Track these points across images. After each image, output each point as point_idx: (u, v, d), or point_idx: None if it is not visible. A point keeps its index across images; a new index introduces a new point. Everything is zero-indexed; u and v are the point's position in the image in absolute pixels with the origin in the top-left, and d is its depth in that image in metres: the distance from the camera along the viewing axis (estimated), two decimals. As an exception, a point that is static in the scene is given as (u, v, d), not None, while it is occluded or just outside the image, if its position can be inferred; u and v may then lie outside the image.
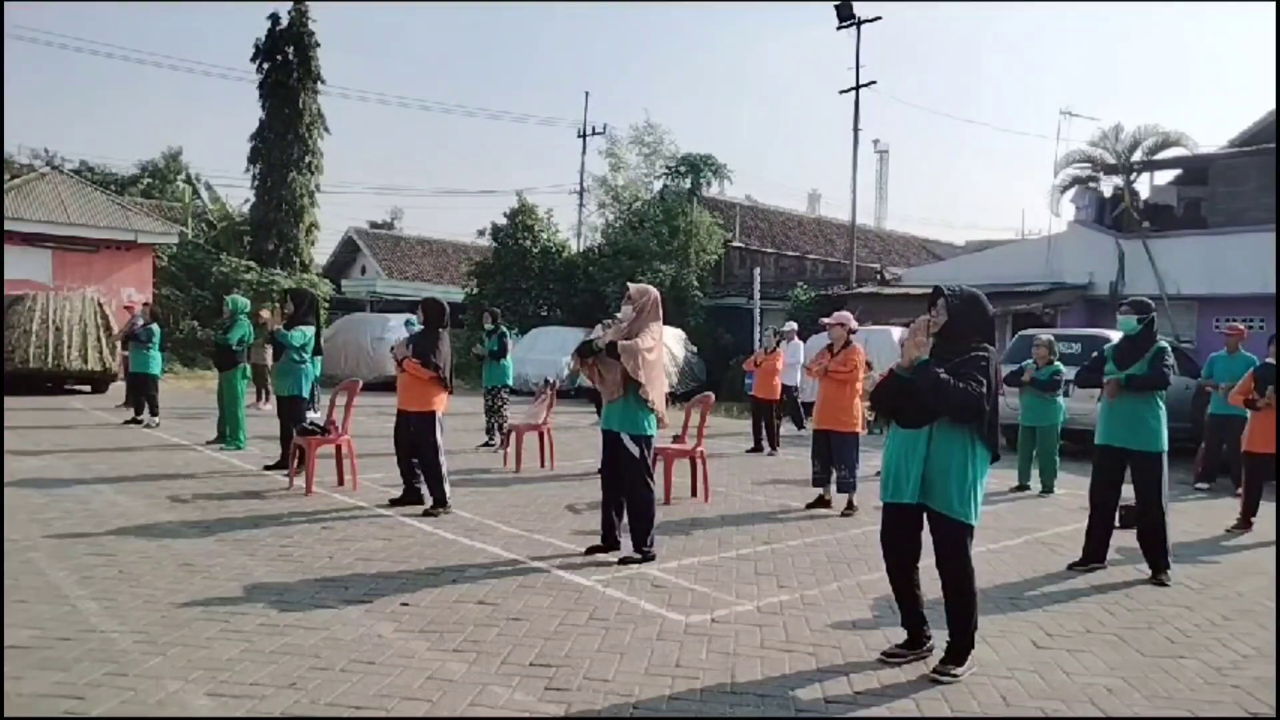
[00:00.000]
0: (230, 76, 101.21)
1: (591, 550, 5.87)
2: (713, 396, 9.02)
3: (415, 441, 7.19)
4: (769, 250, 29.45)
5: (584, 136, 30.82)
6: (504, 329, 11.43)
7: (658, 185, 26.36)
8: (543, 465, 9.59)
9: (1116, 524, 6.04)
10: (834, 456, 7.69)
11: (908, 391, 3.92)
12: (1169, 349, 5.96)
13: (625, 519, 5.86)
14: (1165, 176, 21.78)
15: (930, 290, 4.16)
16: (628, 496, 5.78)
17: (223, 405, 10.45)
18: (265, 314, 15.22)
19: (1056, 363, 9.25)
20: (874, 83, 23.26)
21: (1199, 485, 9.94)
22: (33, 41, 50.43)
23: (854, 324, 8.06)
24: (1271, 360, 8.04)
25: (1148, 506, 5.80)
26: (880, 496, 4.20)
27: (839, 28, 23.13)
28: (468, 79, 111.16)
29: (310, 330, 8.79)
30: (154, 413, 12.29)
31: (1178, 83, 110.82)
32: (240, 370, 10.43)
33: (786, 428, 13.09)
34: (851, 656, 4.17)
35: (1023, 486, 9.28)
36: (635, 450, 5.68)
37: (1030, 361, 9.41)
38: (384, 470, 8.42)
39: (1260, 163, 17.67)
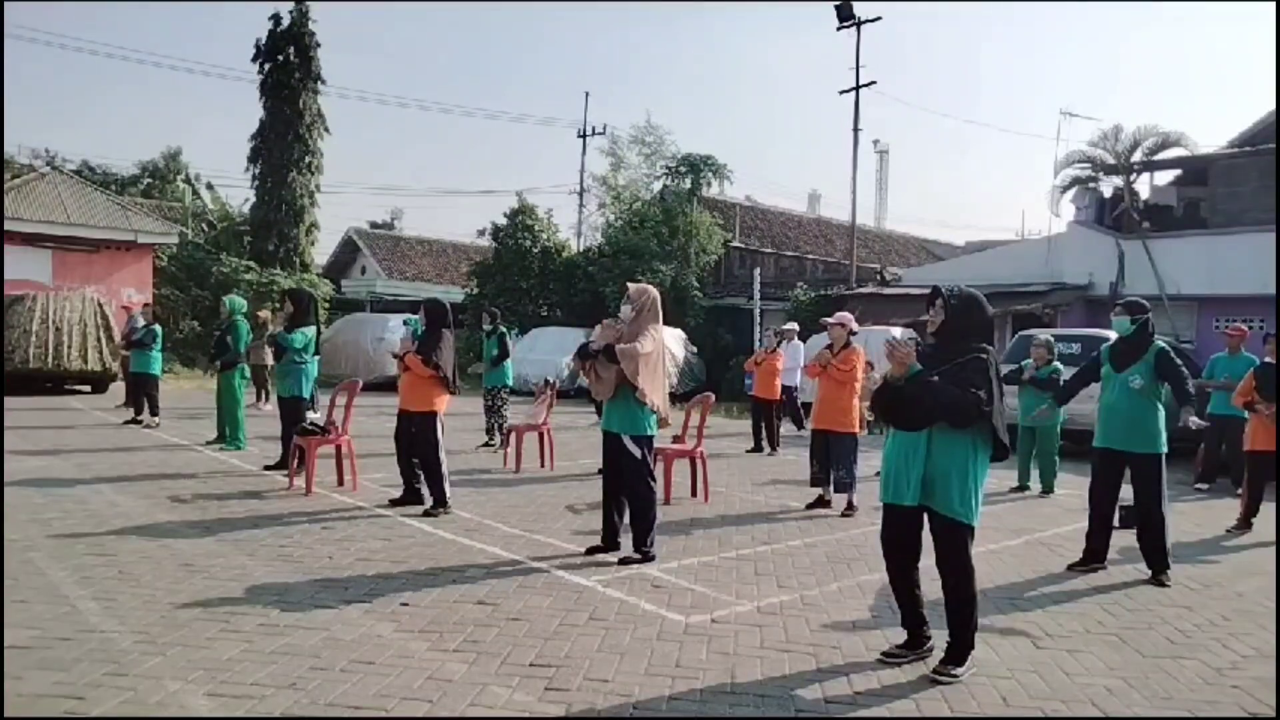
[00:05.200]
0: (230, 76, 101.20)
1: (592, 550, 5.87)
2: (713, 397, 9.02)
3: (416, 441, 7.19)
4: (769, 250, 29.44)
5: (584, 136, 30.85)
6: (504, 329, 11.42)
7: (658, 185, 26.37)
8: (543, 465, 9.59)
9: (1116, 524, 6.04)
10: (831, 457, 7.69)
11: (904, 398, 3.92)
12: (1168, 349, 5.96)
13: (625, 519, 5.86)
14: (1165, 177, 21.78)
15: (930, 290, 4.16)
16: (628, 497, 5.78)
17: (222, 406, 10.45)
18: (264, 314, 15.22)
19: (1055, 363, 9.25)
20: (874, 83, 23.29)
21: (1199, 485, 9.94)
22: (33, 41, 50.55)
23: (854, 325, 8.06)
24: (1270, 359, 8.04)
25: (1148, 507, 5.79)
26: (880, 497, 4.19)
27: (839, 28, 23.15)
28: (467, 79, 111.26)
29: (311, 331, 8.79)
30: (154, 413, 12.29)
31: (1178, 83, 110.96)
32: (239, 371, 10.44)
33: (786, 428, 13.09)
34: (851, 656, 4.17)
35: (1023, 487, 9.28)
36: (636, 451, 5.68)
37: (1029, 361, 9.41)
38: (384, 470, 8.42)
39: (1260, 163, 17.67)
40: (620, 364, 5.54)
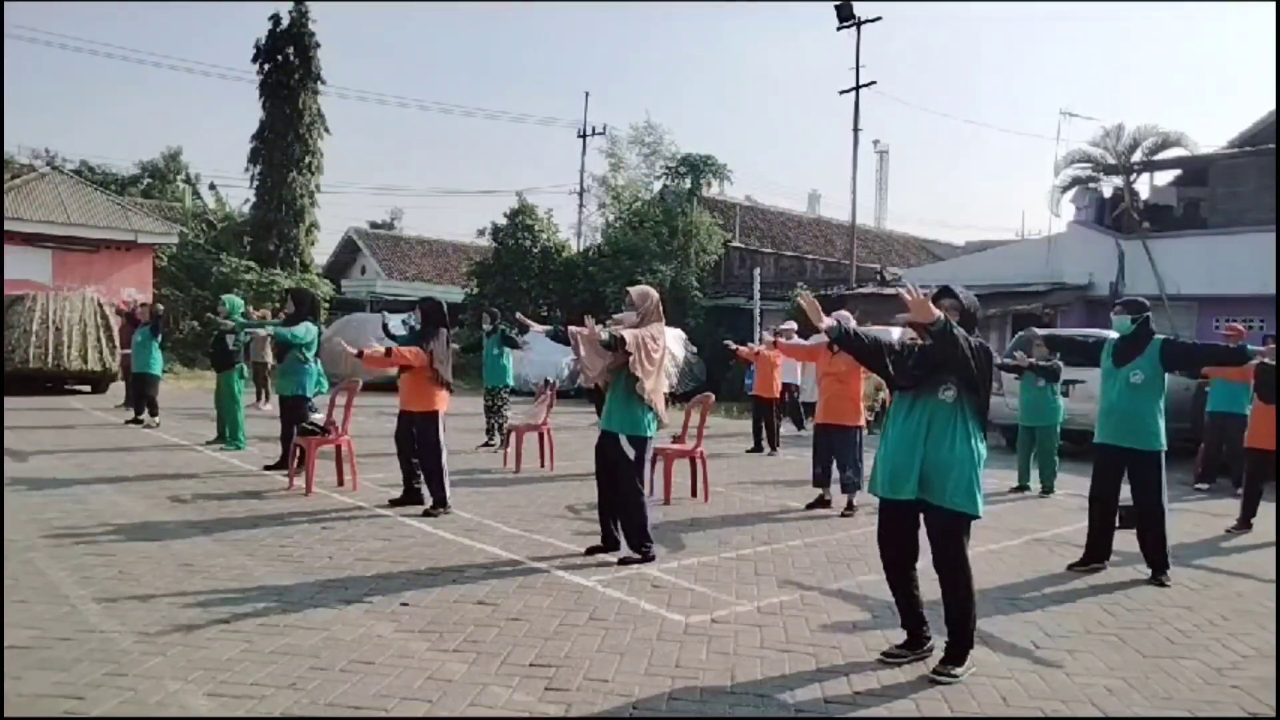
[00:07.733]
0: (230, 76, 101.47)
1: (591, 550, 5.87)
2: (713, 397, 9.01)
3: (417, 441, 7.18)
4: (769, 250, 29.45)
5: (584, 136, 30.84)
6: (504, 327, 11.45)
7: (658, 185, 26.37)
8: (543, 465, 9.59)
9: (1116, 524, 6.04)
10: (836, 455, 7.68)
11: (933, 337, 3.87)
12: (1170, 337, 5.99)
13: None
14: (1165, 177, 21.79)
15: (939, 289, 4.14)
16: (618, 497, 5.75)
17: (221, 406, 10.45)
18: (263, 314, 15.21)
19: (1055, 360, 9.24)
20: (874, 83, 23.29)
21: (1199, 485, 9.94)
22: (32, 41, 50.59)
23: (853, 324, 8.03)
24: (1268, 360, 8.00)
25: (1147, 507, 5.80)
26: (875, 491, 4.17)
27: (839, 28, 23.17)
28: (467, 79, 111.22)
29: (313, 327, 8.79)
30: (154, 413, 12.29)
31: (1178, 83, 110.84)
32: (238, 370, 10.44)
33: (786, 428, 13.09)
34: (851, 656, 4.17)
35: (1023, 487, 9.28)
36: (631, 451, 5.63)
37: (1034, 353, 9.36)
38: (384, 470, 8.42)
39: (1260, 163, 17.68)
40: (627, 357, 5.50)
